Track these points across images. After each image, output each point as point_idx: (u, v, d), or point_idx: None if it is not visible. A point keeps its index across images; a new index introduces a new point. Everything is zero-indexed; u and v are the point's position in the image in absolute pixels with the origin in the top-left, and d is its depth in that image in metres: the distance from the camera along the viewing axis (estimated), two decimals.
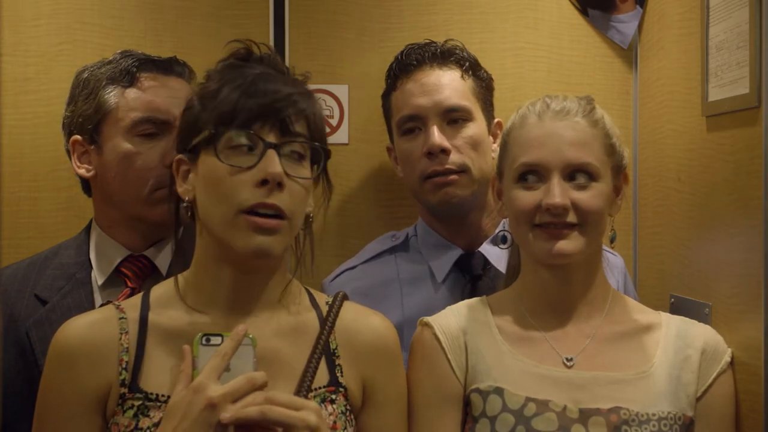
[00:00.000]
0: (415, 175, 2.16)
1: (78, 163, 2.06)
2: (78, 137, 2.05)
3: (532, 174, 1.72)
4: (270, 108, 1.54)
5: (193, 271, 1.63)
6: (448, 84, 2.16)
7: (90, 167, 2.05)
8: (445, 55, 2.19)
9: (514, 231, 1.77)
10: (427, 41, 2.23)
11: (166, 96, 2.01)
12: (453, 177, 2.12)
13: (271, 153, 1.53)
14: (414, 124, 2.16)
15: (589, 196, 1.70)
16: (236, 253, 1.55)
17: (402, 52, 2.22)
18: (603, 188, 1.71)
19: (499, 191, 1.82)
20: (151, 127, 2.00)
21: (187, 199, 1.60)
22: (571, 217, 1.69)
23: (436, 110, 2.14)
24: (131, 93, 2.02)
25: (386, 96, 2.25)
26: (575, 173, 1.70)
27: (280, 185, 1.53)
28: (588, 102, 1.77)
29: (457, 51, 2.21)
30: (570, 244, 1.69)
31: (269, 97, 1.54)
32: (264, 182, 1.52)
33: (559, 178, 1.69)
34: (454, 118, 2.14)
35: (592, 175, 1.70)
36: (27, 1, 2.39)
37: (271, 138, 1.54)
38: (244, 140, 1.54)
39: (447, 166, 2.12)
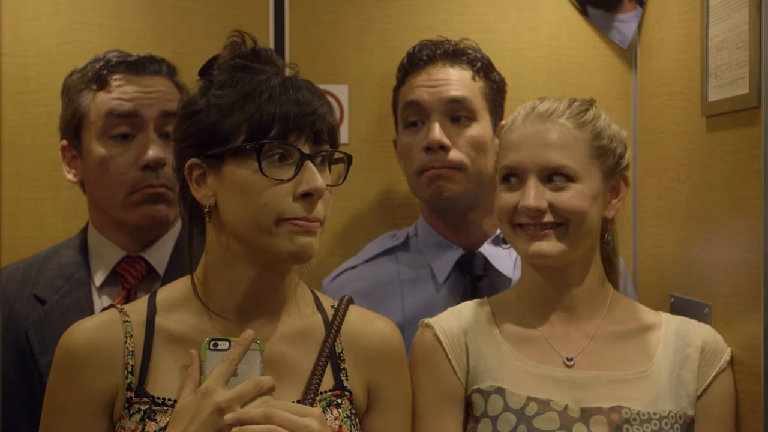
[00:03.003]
0: (412, 168, 2.15)
1: (67, 168, 2.07)
2: (65, 142, 2.06)
3: (513, 176, 1.74)
4: (305, 119, 1.53)
5: (205, 274, 1.61)
6: (455, 80, 2.16)
7: (77, 172, 2.05)
8: (458, 54, 2.18)
9: (501, 230, 1.79)
10: (442, 38, 2.23)
11: (136, 96, 2.00)
12: (447, 171, 2.11)
13: (310, 164, 1.53)
14: (417, 116, 2.15)
15: (567, 197, 1.70)
16: (274, 257, 1.55)
17: (415, 47, 2.21)
18: (583, 189, 1.71)
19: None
20: (123, 129, 1.99)
21: (208, 204, 1.57)
22: (548, 218, 1.71)
23: (439, 103, 2.13)
24: (102, 96, 2.01)
25: (395, 91, 2.25)
26: (553, 175, 1.71)
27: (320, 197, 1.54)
28: (582, 104, 1.77)
29: (470, 51, 2.20)
30: (548, 245, 1.71)
31: (302, 109, 1.54)
32: (306, 195, 1.52)
33: (536, 180, 1.71)
34: (457, 115, 2.14)
35: (569, 177, 1.71)
36: (27, 1, 2.39)
37: (306, 148, 1.54)
38: (281, 152, 1.53)
39: (444, 164, 2.11)
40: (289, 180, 1.52)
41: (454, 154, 2.12)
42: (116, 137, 2.00)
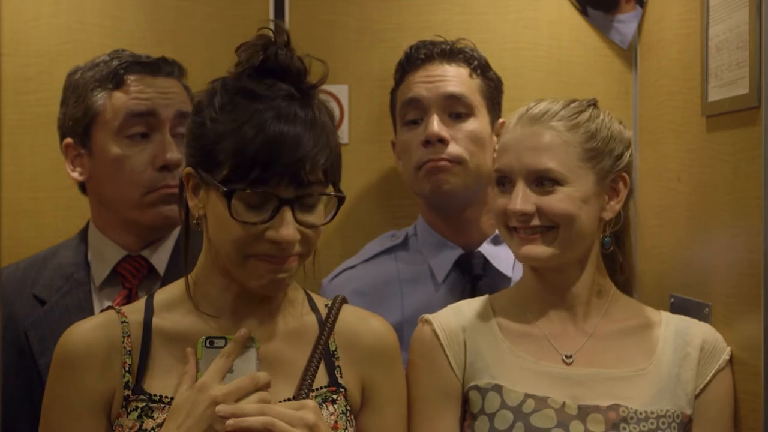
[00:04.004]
0: (411, 164, 2.15)
1: (71, 167, 2.06)
2: (70, 140, 2.05)
3: (505, 179, 1.75)
4: (289, 166, 1.48)
5: (199, 275, 1.62)
6: (453, 76, 2.17)
7: (83, 170, 2.05)
8: (455, 53, 2.20)
9: (499, 232, 1.81)
10: (438, 38, 2.23)
11: (153, 97, 2.00)
12: (445, 163, 2.12)
13: (286, 211, 1.49)
14: (416, 113, 2.16)
15: (555, 200, 1.70)
16: (245, 286, 1.55)
17: (412, 46, 2.22)
18: (571, 192, 1.71)
19: None
20: (140, 128, 1.99)
21: (197, 215, 1.57)
22: (536, 221, 1.71)
23: (437, 98, 2.14)
24: (118, 95, 2.01)
25: (393, 91, 2.25)
26: (540, 178, 1.72)
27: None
28: (579, 105, 1.77)
29: (467, 50, 2.21)
30: (537, 248, 1.71)
31: (288, 152, 1.47)
32: (277, 242, 1.50)
33: (524, 183, 1.72)
34: (456, 111, 2.15)
35: (557, 180, 1.71)
36: (27, 1, 2.39)
37: (288, 192, 1.50)
38: (258, 198, 1.49)
39: (443, 156, 2.12)
40: (263, 222, 1.49)
41: (453, 148, 2.12)
42: (132, 136, 1.99)
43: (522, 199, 1.71)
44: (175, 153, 1.97)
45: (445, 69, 2.17)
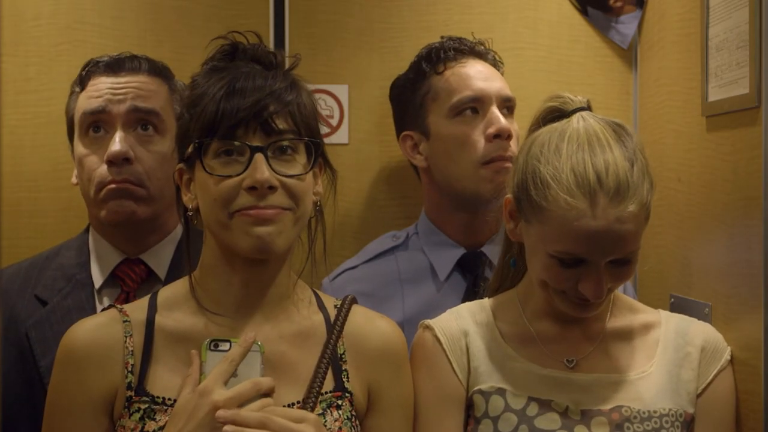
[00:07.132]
0: (472, 159, 2.10)
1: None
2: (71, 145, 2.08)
3: (579, 261, 1.62)
4: (250, 111, 1.52)
5: (201, 274, 1.62)
6: (500, 76, 2.19)
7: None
8: (486, 53, 2.22)
9: (535, 286, 1.71)
10: (473, 37, 2.24)
11: (105, 93, 2.00)
12: (509, 164, 2.06)
13: (258, 157, 1.52)
14: (474, 105, 2.13)
15: (629, 272, 1.65)
16: (240, 253, 1.55)
17: (448, 38, 2.21)
18: (636, 263, 1.66)
19: (512, 214, 1.72)
20: (94, 126, 2.00)
21: (191, 207, 1.60)
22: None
23: (497, 97, 2.14)
24: (81, 97, 2.03)
25: (420, 80, 2.19)
26: (617, 260, 1.63)
27: (271, 188, 1.52)
28: (640, 168, 1.63)
29: (492, 51, 2.24)
30: (594, 310, 1.69)
31: (248, 100, 1.52)
32: (253, 188, 1.52)
33: (600, 268, 1.62)
34: (509, 106, 2.16)
35: (631, 258, 1.64)
36: (27, 1, 2.39)
37: (257, 140, 1.53)
38: (229, 149, 1.54)
39: (508, 153, 2.09)
40: (238, 174, 1.52)
41: (513, 145, 2.10)
42: (90, 135, 2.00)
43: (600, 289, 1.62)
44: (121, 147, 1.96)
45: (489, 67, 2.18)
